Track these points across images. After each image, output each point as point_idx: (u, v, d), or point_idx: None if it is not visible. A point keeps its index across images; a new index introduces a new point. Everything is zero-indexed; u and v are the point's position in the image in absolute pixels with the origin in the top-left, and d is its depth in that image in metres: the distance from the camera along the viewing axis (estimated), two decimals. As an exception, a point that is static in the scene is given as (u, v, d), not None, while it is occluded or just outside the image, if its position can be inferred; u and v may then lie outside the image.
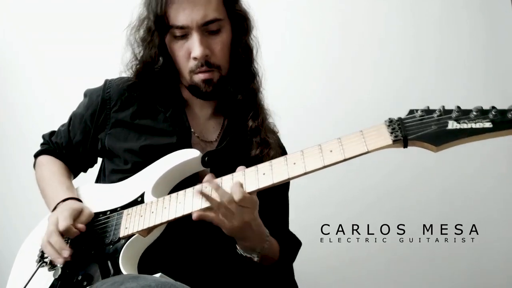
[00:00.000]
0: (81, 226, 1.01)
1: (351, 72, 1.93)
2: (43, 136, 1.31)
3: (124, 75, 1.20)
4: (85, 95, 1.25)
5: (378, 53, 1.94)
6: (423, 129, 0.77)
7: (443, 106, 0.79)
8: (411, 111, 0.81)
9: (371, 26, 1.94)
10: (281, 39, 1.89)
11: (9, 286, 1.14)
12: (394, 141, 0.79)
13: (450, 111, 0.78)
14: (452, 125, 0.76)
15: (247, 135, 1.14)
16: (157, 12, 1.06)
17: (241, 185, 0.91)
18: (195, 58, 1.07)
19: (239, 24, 1.14)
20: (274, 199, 1.13)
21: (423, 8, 1.94)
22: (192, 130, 1.16)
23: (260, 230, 1.00)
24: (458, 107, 0.77)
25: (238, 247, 1.03)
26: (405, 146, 0.79)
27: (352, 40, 1.94)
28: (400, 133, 0.79)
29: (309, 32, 1.94)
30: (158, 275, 0.89)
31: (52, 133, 1.30)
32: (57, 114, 1.31)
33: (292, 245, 1.18)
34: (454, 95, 1.84)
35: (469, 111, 0.77)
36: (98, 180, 1.25)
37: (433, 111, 0.79)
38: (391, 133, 0.79)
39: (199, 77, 1.10)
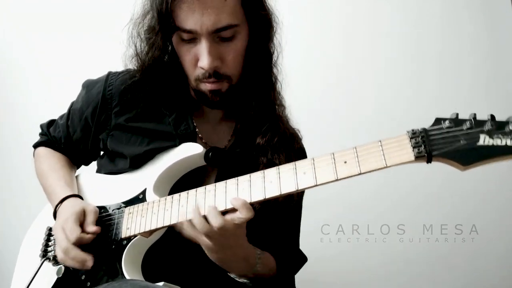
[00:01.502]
0: (94, 229, 0.89)
1: (353, 73, 1.80)
2: (41, 126, 1.17)
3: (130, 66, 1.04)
4: (84, 87, 1.09)
5: (380, 53, 1.81)
6: (450, 144, 0.62)
7: (475, 115, 0.63)
8: (437, 121, 0.65)
9: (373, 28, 1.82)
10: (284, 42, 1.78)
11: (14, 282, 1.05)
12: (417, 157, 0.64)
13: (482, 123, 0.62)
14: (483, 140, 0.61)
15: (255, 150, 0.98)
16: (161, 11, 0.87)
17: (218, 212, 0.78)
18: (202, 68, 0.89)
19: (259, 28, 0.94)
20: (286, 207, 0.98)
21: (425, 8, 1.81)
22: (200, 135, 1.00)
23: (247, 253, 0.87)
24: (492, 117, 0.62)
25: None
26: (429, 162, 0.65)
27: (354, 41, 1.82)
28: (424, 148, 0.64)
29: (311, 34, 1.81)
30: (161, 284, 0.79)
31: (51, 123, 1.16)
32: (57, 114, 1.18)
33: (292, 261, 1.05)
34: (456, 95, 1.74)
35: (505, 124, 0.61)
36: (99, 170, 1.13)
37: (463, 121, 0.63)
38: (414, 147, 0.65)
39: (206, 87, 0.92)
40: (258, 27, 0.94)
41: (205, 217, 0.79)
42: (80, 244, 0.88)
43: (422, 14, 1.81)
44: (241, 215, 0.76)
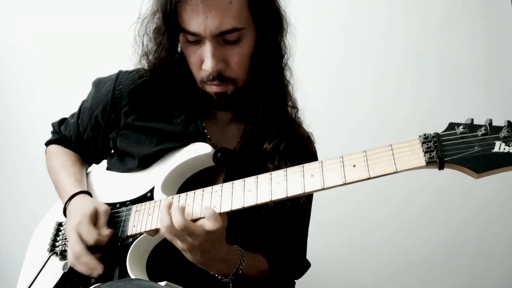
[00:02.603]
0: (107, 232, 0.90)
1: (354, 74, 1.80)
2: (53, 125, 1.19)
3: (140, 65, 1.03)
4: (95, 84, 1.10)
5: (380, 54, 1.81)
6: (463, 150, 0.61)
7: (490, 121, 0.61)
8: (451, 125, 0.64)
9: (373, 28, 1.81)
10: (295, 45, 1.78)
11: (21, 275, 1.08)
12: (428, 163, 0.63)
13: (498, 129, 0.60)
14: (499, 147, 0.60)
15: (262, 156, 0.97)
16: (165, 12, 0.87)
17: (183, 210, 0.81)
18: (206, 70, 0.89)
19: (268, 31, 0.92)
20: (293, 211, 0.97)
21: (426, 8, 1.81)
22: (208, 136, 1.01)
23: (226, 255, 0.87)
24: (509, 123, 0.60)
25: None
26: (441, 168, 0.64)
27: (354, 42, 1.82)
28: (436, 153, 0.62)
29: (310, 36, 1.78)
30: (163, 283, 0.79)
31: (62, 121, 1.18)
32: (59, 116, 1.20)
33: (291, 265, 1.04)
34: (456, 95, 1.75)
35: (522, 130, 0.59)
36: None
37: (478, 127, 0.62)
38: (426, 152, 0.63)
39: (211, 89, 0.92)
40: (267, 30, 0.91)
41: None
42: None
43: (423, 14, 1.80)
44: (210, 224, 0.79)
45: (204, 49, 0.87)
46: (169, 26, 0.89)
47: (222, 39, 0.87)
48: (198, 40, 0.88)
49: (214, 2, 0.83)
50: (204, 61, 0.88)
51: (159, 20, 0.91)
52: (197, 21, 0.84)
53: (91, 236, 0.88)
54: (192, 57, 0.91)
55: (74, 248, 0.89)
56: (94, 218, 0.91)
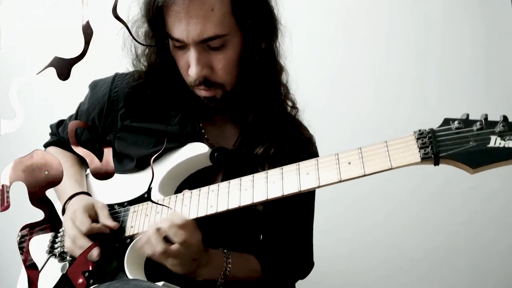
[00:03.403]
0: (112, 224, 0.90)
1: (355, 73, 1.79)
2: (51, 126, 1.19)
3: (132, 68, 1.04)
4: (92, 87, 1.10)
5: (381, 54, 1.80)
6: (459, 146, 0.61)
7: (486, 116, 0.62)
8: (446, 121, 0.64)
9: (373, 28, 1.81)
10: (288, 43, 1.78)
11: (21, 277, 1.08)
12: (423, 159, 0.63)
13: (494, 124, 0.61)
14: (494, 142, 0.60)
15: (253, 162, 0.96)
16: (149, 17, 0.88)
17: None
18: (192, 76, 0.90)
19: (255, 35, 0.90)
20: (294, 210, 0.97)
21: (426, 8, 1.80)
22: (206, 136, 1.01)
23: (209, 259, 0.88)
24: (505, 118, 0.60)
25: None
26: (436, 164, 0.63)
27: (355, 42, 1.81)
28: (431, 149, 0.62)
29: (311, 36, 1.78)
30: (161, 283, 0.80)
31: (60, 123, 1.18)
32: (58, 115, 1.20)
33: (288, 264, 1.03)
34: (456, 95, 1.74)
35: (518, 125, 0.60)
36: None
37: (473, 122, 0.62)
38: (421, 148, 0.63)
39: (200, 93, 0.93)
40: (254, 34, 0.90)
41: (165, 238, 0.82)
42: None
43: (423, 14, 1.80)
44: (186, 235, 0.81)
45: (189, 54, 0.88)
46: (156, 31, 0.90)
47: (206, 45, 0.87)
48: (183, 45, 0.88)
49: (195, 9, 0.83)
50: (189, 66, 0.89)
51: (146, 25, 0.92)
52: (179, 28, 0.85)
53: (84, 224, 0.88)
54: (180, 61, 0.91)
55: (69, 233, 0.89)
56: (91, 211, 0.92)
